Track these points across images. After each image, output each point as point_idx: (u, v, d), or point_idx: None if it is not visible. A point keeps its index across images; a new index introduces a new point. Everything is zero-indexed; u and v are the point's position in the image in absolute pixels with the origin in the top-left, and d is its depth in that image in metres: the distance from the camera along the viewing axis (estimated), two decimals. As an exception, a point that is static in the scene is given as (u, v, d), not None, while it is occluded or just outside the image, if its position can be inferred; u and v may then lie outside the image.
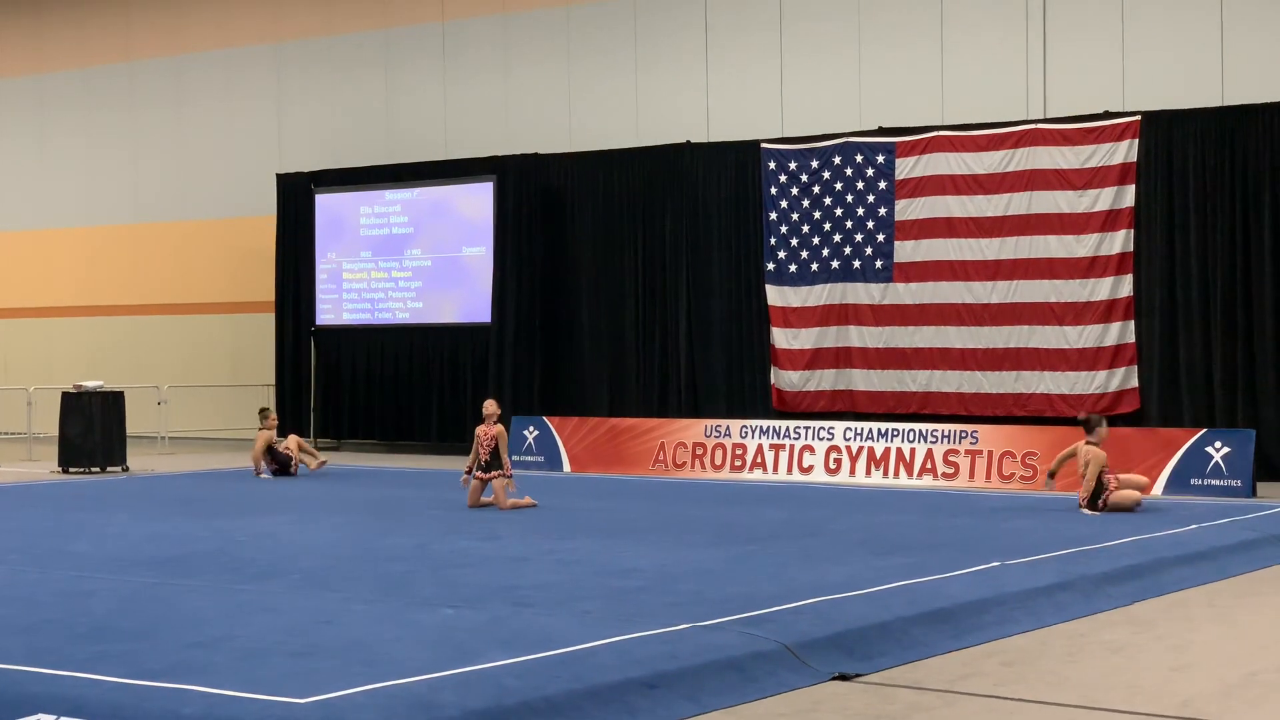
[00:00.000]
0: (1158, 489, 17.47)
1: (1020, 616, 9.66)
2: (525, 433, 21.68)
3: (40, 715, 6.67)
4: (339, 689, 7.00)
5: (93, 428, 21.23)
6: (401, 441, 25.08)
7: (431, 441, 24.62)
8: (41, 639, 8.42)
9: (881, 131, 21.02)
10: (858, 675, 8.04)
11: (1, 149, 30.70)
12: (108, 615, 9.26)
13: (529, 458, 21.50)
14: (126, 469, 21.41)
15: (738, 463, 20.14)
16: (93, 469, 21.12)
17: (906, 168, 20.68)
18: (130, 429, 22.10)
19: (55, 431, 21.88)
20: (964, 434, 18.71)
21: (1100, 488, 15.13)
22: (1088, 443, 15.33)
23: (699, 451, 20.43)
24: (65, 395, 21.62)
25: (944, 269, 20.44)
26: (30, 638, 8.46)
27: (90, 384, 21.84)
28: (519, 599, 9.80)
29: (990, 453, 18.46)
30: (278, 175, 26.09)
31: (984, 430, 18.75)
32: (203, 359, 27.83)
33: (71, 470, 21.09)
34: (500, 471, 15.45)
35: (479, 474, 15.49)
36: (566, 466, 21.22)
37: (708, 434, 20.49)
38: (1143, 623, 9.75)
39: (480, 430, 15.52)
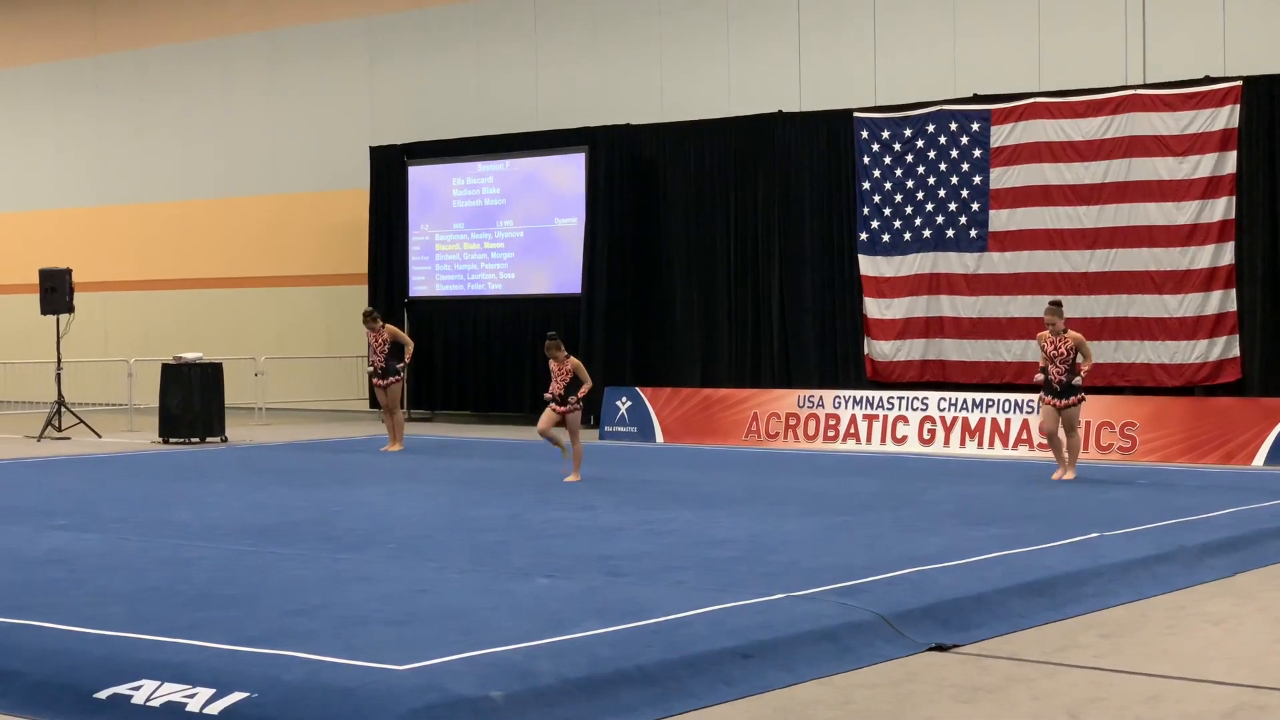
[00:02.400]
0: (1259, 459, 17.20)
1: (1119, 588, 9.56)
2: (618, 403, 21.73)
3: (144, 681, 6.78)
4: (437, 656, 7.06)
5: (192, 399, 21.54)
6: (494, 412, 25.21)
7: (524, 412, 24.70)
8: (144, 606, 8.55)
9: (977, 99, 20.79)
10: (954, 646, 7.99)
11: (99, 124, 31.13)
12: (209, 583, 9.40)
13: (621, 428, 21.55)
14: (225, 439, 21.71)
15: (831, 433, 20.07)
16: (192, 439, 21.44)
17: (1002, 135, 20.44)
18: (228, 400, 22.40)
19: (156, 403, 22.22)
20: (1060, 404, 18.46)
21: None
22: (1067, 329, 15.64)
23: (792, 422, 20.37)
24: (165, 367, 21.95)
25: (1040, 237, 20.19)
26: (133, 605, 8.60)
27: (189, 356, 22.15)
28: (613, 569, 9.83)
29: (1088, 423, 18.23)
30: (370, 148, 26.26)
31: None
32: (298, 331, 28.10)
33: (172, 441, 21.42)
34: (577, 405, 15.37)
35: (555, 406, 15.38)
36: (659, 437, 21.25)
37: (800, 404, 20.42)
38: (1244, 594, 9.61)
39: (554, 366, 15.42)
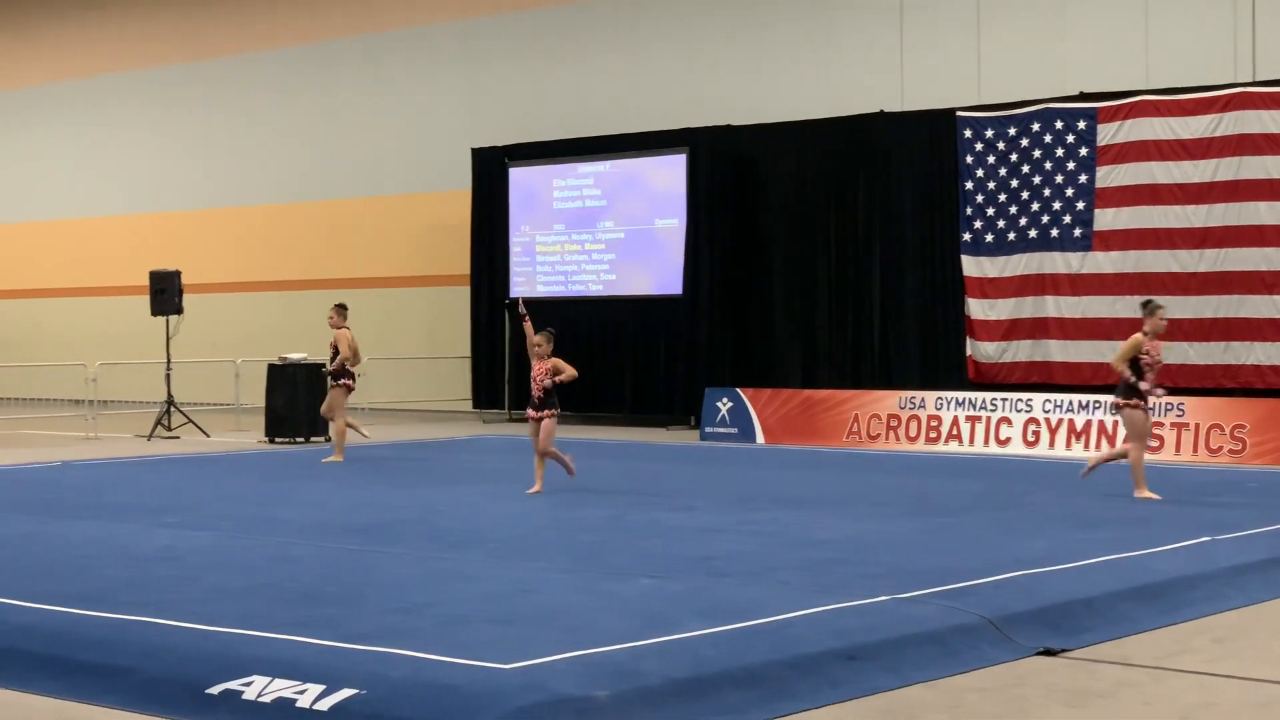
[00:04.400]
0: (1374, 463, 16.85)
1: (1231, 593, 9.40)
2: (719, 404, 21.70)
3: (253, 677, 6.87)
4: (540, 656, 7.08)
5: (297, 399, 21.76)
6: (594, 413, 25.26)
7: (624, 413, 24.77)
8: (253, 603, 8.66)
9: (1083, 97, 20.53)
10: (1063, 650, 7.89)
11: (206, 128, 31.57)
12: (315, 581, 9.49)
13: (722, 429, 21.52)
14: (329, 439, 21.87)
15: (933, 434, 19.91)
16: (297, 439, 21.67)
17: (1109, 134, 20.17)
18: (332, 400, 22.58)
19: (262, 402, 22.50)
20: (1169, 406, 18.21)
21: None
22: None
23: (893, 423, 20.24)
24: (271, 367, 22.22)
25: (1148, 237, 19.91)
26: (242, 602, 8.70)
27: (294, 356, 22.40)
28: (715, 569, 9.82)
29: (1197, 425, 17.96)
30: (472, 149, 26.41)
31: (1190, 402, 18.25)
32: (400, 332, 28.33)
33: (278, 440, 21.66)
34: (553, 411, 14.28)
35: (531, 412, 14.38)
36: (760, 438, 21.20)
37: (902, 405, 20.28)
38: (1361, 600, 9.42)
39: (536, 366, 14.34)
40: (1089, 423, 18.81)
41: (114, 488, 15.66)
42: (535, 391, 14.37)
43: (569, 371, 14.30)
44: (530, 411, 14.44)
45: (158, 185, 32.41)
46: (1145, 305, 14.07)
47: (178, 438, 22.57)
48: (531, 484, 14.54)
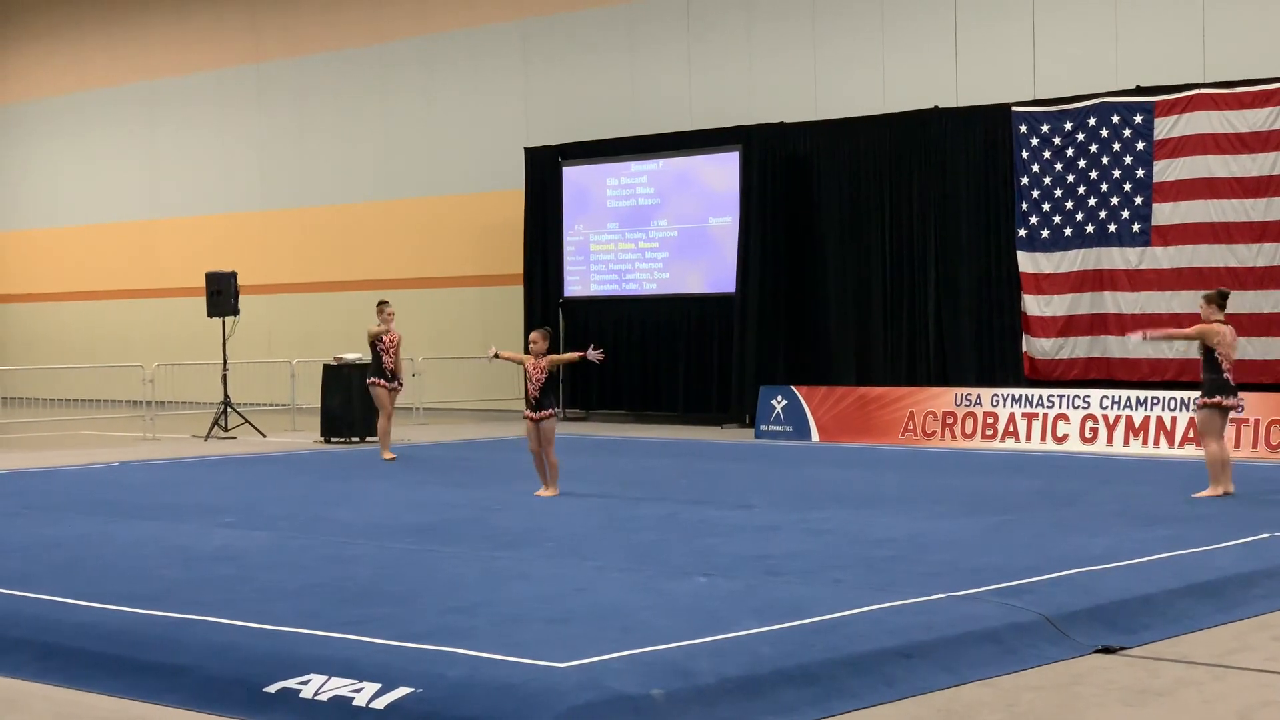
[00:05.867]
0: None
1: (1292, 590, 9.32)
2: (773, 402, 21.67)
3: (311, 675, 6.91)
4: (597, 654, 7.09)
5: (352, 399, 21.84)
6: (648, 411, 25.27)
7: (678, 411, 24.76)
8: (310, 602, 8.71)
9: (1139, 90, 20.36)
10: (1121, 648, 7.84)
11: (262, 130, 31.77)
12: (372, 580, 9.54)
13: (777, 427, 21.48)
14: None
15: (989, 432, 19.81)
16: (352, 439, 21.76)
17: (1166, 127, 20.00)
18: (387, 400, 22.67)
19: (317, 403, 22.62)
20: (1228, 402, 18.01)
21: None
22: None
23: (949, 420, 20.14)
24: (326, 368, 22.33)
25: (1205, 231, 19.72)
26: (299, 601, 8.76)
27: (349, 356, 22.49)
28: (771, 568, 9.80)
29: (1257, 421, 17.79)
30: (525, 149, 26.47)
31: (1251, 398, 18.06)
32: (454, 331, 28.41)
33: (333, 440, 21.77)
34: (552, 411, 13.87)
35: (528, 414, 13.88)
36: (815, 436, 21.14)
37: (958, 403, 20.18)
38: None
39: (529, 364, 13.83)
40: (1147, 419, 18.67)
41: (172, 488, 15.78)
42: (532, 392, 13.84)
43: (571, 355, 14.02)
44: (528, 412, 13.91)
45: (215, 187, 32.64)
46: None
47: (234, 438, 22.73)
48: (539, 485, 14.30)
